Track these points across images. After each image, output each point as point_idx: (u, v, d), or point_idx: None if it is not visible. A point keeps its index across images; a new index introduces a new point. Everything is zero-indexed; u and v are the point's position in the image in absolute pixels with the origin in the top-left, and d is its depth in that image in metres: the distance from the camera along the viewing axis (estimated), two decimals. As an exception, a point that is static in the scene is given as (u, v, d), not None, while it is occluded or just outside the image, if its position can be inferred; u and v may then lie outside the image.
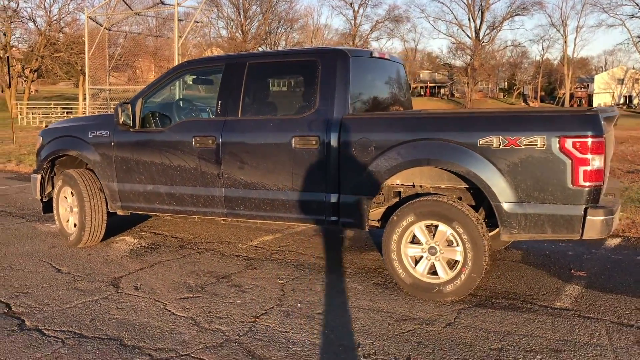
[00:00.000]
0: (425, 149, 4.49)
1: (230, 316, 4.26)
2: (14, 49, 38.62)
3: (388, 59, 5.71)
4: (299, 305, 4.48)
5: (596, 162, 4.03)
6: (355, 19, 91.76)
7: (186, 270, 5.33)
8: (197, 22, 18.09)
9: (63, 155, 6.17)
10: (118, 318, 4.23)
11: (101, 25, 15.61)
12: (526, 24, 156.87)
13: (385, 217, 4.93)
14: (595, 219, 4.06)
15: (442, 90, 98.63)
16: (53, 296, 4.67)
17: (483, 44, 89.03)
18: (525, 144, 4.13)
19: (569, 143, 4.02)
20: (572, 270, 5.35)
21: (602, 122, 4.04)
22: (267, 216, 5.15)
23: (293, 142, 4.87)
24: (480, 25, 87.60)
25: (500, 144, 4.21)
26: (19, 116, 34.35)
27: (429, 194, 4.80)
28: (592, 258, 5.76)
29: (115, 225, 6.97)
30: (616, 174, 11.42)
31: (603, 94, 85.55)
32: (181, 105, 6.02)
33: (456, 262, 4.48)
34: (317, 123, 4.81)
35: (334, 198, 4.84)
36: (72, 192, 5.99)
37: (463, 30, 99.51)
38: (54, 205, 6.24)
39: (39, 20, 39.97)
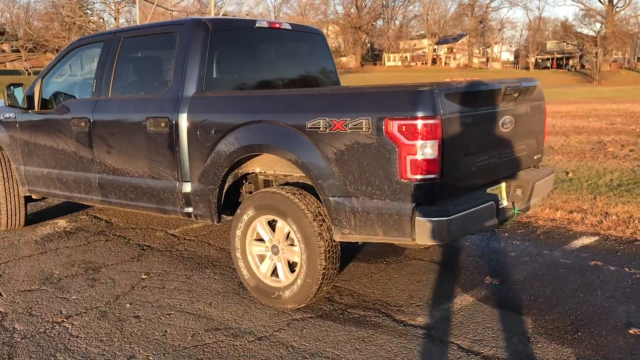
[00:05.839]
0: (257, 133, 3.86)
1: (44, 314, 3.94)
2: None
3: (288, 29, 5.03)
4: (127, 305, 4.07)
5: (428, 149, 3.21)
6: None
7: (70, 259, 5.09)
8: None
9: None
10: (-62, 309, 4.07)
11: (158, 5, 15.81)
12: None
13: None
14: (424, 220, 3.24)
15: (570, 62, 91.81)
16: None
17: (617, 9, 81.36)
18: (351, 128, 3.39)
19: (393, 126, 3.23)
20: (488, 277, 4.46)
21: (439, 100, 3.21)
22: (133, 205, 4.75)
23: (147, 124, 4.41)
24: (615, -13, 79.99)
25: (327, 128, 3.49)
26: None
27: (299, 184, 4.15)
28: (533, 261, 4.79)
29: (63, 208, 6.93)
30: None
31: None
32: (83, 83, 5.70)
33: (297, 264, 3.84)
34: (169, 103, 4.31)
35: (185, 187, 4.34)
36: (-6, 175, 5.96)
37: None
38: (-13, 187, 6.26)
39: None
